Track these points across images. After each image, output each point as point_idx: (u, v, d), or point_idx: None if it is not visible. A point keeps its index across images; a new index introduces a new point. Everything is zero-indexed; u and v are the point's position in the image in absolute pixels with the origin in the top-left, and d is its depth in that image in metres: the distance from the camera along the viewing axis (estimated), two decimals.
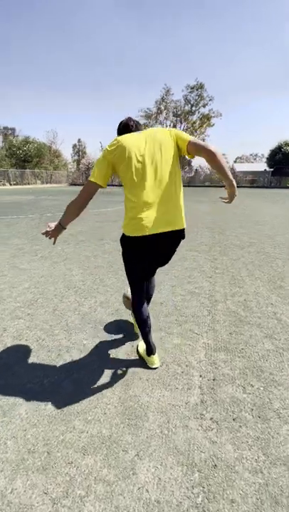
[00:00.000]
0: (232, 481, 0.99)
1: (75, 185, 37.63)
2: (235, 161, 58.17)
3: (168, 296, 2.52)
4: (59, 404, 1.32)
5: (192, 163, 38.71)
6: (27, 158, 37.59)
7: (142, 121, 41.19)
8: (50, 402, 1.33)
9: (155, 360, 1.57)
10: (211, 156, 1.24)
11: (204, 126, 40.18)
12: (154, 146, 1.28)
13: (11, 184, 31.64)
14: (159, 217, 1.27)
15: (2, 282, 2.83)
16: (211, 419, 1.25)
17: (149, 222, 1.26)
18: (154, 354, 1.58)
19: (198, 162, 36.20)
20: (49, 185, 34.10)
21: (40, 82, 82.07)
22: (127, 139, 1.30)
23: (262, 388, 1.43)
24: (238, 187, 1.52)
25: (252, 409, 1.30)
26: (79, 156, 58.03)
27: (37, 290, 2.64)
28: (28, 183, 34.26)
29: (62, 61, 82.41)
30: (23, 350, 1.74)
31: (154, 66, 79.96)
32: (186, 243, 4.44)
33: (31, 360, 1.65)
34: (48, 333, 1.93)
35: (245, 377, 1.52)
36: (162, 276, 2.97)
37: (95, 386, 1.44)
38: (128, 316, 2.13)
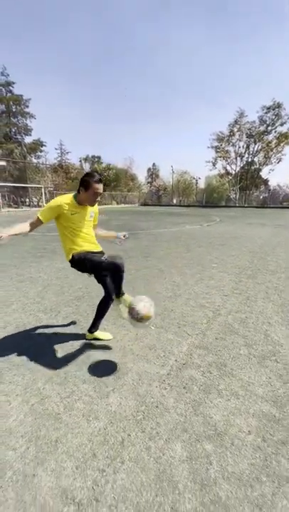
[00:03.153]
0: (164, 415, 1.54)
1: (146, 205, 40.63)
2: None
3: (180, 306, 3.07)
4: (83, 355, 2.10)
5: (269, 183, 36.75)
6: (107, 183, 42.94)
7: (214, 144, 41.79)
8: (79, 354, 2.13)
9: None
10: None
11: (282, 145, 37.97)
12: None
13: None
14: None
15: (65, 282, 3.92)
16: (169, 384, 1.80)
17: None
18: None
19: (277, 180, 34.01)
20: (122, 206, 37.95)
21: (120, 111, 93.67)
22: None
23: (217, 376, 1.88)
24: None
25: (201, 386, 1.79)
26: (152, 178, 62.43)
27: (86, 290, 3.59)
28: (105, 204, 38.92)
29: (139, 91, 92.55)
30: (66, 325, 2.62)
31: (231, 89, 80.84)
32: (221, 265, 4.81)
33: (70, 330, 2.51)
34: (85, 317, 2.78)
35: (209, 367, 1.98)
36: (183, 290, 3.53)
37: (105, 353, 2.17)
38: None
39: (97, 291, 3.65)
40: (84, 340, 2.34)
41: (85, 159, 53.14)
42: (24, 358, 2.09)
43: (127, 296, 2.30)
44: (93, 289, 3.62)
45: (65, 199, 2.08)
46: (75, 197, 2.10)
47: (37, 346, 2.26)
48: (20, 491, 1.14)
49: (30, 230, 2.00)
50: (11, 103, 36.37)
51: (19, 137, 38.39)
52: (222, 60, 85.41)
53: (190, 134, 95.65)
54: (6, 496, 1.12)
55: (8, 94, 36.14)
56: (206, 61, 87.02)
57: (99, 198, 2.12)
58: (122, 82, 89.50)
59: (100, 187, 2.05)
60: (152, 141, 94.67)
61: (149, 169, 64.07)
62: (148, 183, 61.45)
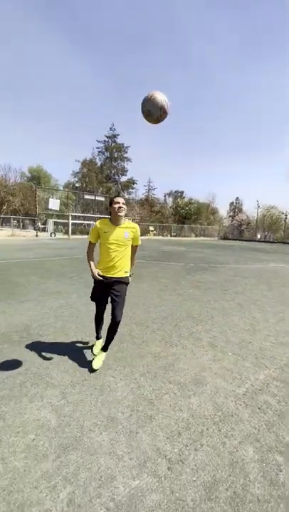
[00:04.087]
0: (238, 424, 1.79)
1: (227, 239, 39.73)
2: None
3: (258, 340, 3.17)
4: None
5: None
6: (187, 216, 44.59)
7: None
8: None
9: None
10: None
11: None
12: None
13: (171, 236, 38.54)
14: None
15: (151, 304, 4.55)
16: (244, 402, 2.02)
17: None
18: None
19: None
20: (201, 238, 38.28)
21: (200, 147, 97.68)
22: None
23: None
24: None
25: (276, 411, 1.93)
26: (234, 212, 61.06)
27: (169, 311, 4.10)
28: (184, 236, 40.14)
29: (221, 130, 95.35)
30: (153, 336, 3.15)
31: None
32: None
33: (158, 340, 3.01)
34: (168, 333, 3.25)
35: (285, 398, 2.09)
36: (262, 326, 3.58)
37: (186, 365, 2.56)
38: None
39: (181, 313, 4.12)
40: (170, 349, 2.80)
41: (169, 194, 57.25)
42: (123, 355, 2.70)
43: (98, 349, 2.64)
44: (176, 311, 4.10)
45: (103, 220, 2.40)
46: (109, 218, 2.40)
47: (131, 350, 2.85)
48: (128, 439, 1.63)
49: (90, 254, 2.44)
50: (114, 150, 43.88)
51: (116, 177, 45.27)
52: None
53: (279, 167, 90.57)
54: (119, 440, 1.63)
55: (113, 144, 43.90)
56: None
57: (122, 213, 2.29)
58: (202, 127, 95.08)
59: (118, 200, 2.30)
60: (238, 176, 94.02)
61: (231, 203, 63.18)
62: (230, 216, 60.31)
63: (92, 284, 2.52)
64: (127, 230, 2.39)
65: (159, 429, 1.73)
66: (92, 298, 2.55)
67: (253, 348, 2.97)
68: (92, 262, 2.41)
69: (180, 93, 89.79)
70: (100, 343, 2.69)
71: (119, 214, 2.30)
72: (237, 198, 62.60)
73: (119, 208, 2.28)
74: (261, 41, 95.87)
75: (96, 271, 2.34)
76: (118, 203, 2.29)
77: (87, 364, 2.49)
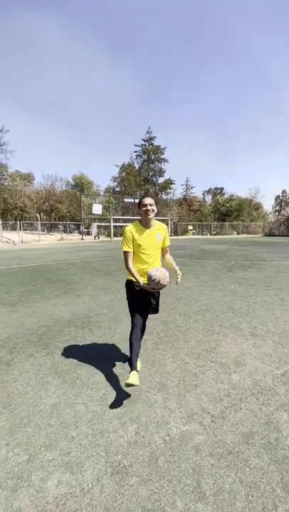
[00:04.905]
0: (274, 396, 2.03)
1: (272, 235, 37.36)
2: None
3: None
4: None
5: None
6: (228, 213, 43.06)
7: None
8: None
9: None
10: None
11: None
12: None
13: (211, 234, 37.69)
14: None
15: (192, 298, 4.84)
16: (281, 380, 2.24)
17: None
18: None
19: None
20: (243, 236, 36.61)
21: (242, 141, 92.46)
22: None
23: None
24: None
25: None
26: (280, 206, 56.84)
27: (210, 304, 4.35)
28: (226, 234, 38.85)
29: (263, 116, 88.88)
30: (196, 325, 3.46)
31: None
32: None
33: (200, 329, 3.32)
34: (210, 323, 3.53)
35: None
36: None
37: (226, 348, 2.83)
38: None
39: (221, 306, 4.35)
40: (211, 336, 3.09)
41: (208, 192, 55.94)
42: (169, 339, 3.08)
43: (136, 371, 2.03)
44: (217, 304, 4.34)
45: (133, 225, 2.23)
46: (139, 220, 2.25)
47: (176, 335, 3.22)
48: (177, 399, 2.01)
49: (129, 263, 2.18)
50: (151, 153, 44.65)
51: (154, 179, 45.96)
52: None
53: None
54: (170, 399, 2.02)
55: (150, 147, 44.70)
56: None
57: (151, 215, 2.14)
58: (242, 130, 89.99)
59: (146, 201, 2.13)
60: (284, 168, 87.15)
61: (277, 197, 58.94)
62: (275, 211, 56.35)
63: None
64: (158, 231, 2.26)
65: (204, 394, 2.07)
66: (132, 307, 2.26)
67: None
68: (135, 271, 2.15)
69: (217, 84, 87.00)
70: (136, 374, 1.98)
71: (149, 217, 2.16)
72: (284, 190, 58.13)
73: (147, 210, 2.13)
74: None
75: (141, 279, 2.11)
76: (146, 205, 2.13)
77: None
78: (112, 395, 2.07)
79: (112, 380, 2.27)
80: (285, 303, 4.48)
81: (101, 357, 2.67)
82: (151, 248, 2.21)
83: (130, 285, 2.24)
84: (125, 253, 2.19)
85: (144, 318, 2.26)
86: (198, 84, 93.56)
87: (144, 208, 2.15)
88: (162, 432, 1.69)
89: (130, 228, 2.21)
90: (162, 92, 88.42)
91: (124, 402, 1.98)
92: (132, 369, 2.00)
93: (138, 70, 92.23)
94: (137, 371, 2.09)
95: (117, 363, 2.56)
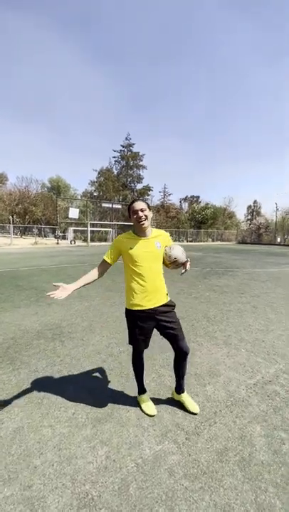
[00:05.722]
0: (248, 407, 2.03)
1: (244, 243, 39.09)
2: None
3: (271, 339, 3.35)
4: None
5: None
6: (204, 221, 44.45)
7: None
8: None
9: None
10: None
11: None
12: None
13: (188, 241, 38.57)
14: None
15: None
16: (254, 390, 2.25)
17: None
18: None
19: None
20: (218, 243, 37.95)
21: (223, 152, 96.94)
22: None
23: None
24: None
25: (283, 399, 2.15)
26: (252, 215, 59.90)
27: (185, 312, 4.35)
28: (201, 241, 39.98)
29: (242, 136, 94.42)
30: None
31: None
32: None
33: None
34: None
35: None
36: (276, 326, 3.74)
37: (201, 359, 2.81)
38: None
39: (196, 314, 4.34)
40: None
41: (184, 199, 57.35)
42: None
43: (185, 394, 2.07)
44: (192, 312, 4.35)
45: (125, 234, 1.89)
46: (132, 231, 1.88)
47: (151, 345, 3.15)
48: (151, 416, 1.93)
49: (101, 274, 1.88)
50: (130, 159, 44.96)
51: (132, 185, 46.22)
52: None
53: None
54: (144, 416, 1.93)
55: (129, 153, 45.01)
56: None
57: (145, 223, 1.78)
58: (223, 135, 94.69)
59: (137, 205, 1.77)
60: (257, 180, 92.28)
61: (249, 206, 62.01)
62: (247, 220, 59.22)
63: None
64: (156, 239, 1.87)
65: (178, 408, 2.01)
66: (132, 341, 1.94)
67: (266, 345, 3.17)
68: (82, 280, 1.84)
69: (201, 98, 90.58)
70: (148, 396, 2.08)
71: (143, 225, 1.77)
72: (255, 201, 61.47)
73: (138, 218, 1.76)
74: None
75: (67, 287, 1.75)
76: (136, 211, 1.76)
77: (113, 359, 2.82)
78: (82, 414, 1.93)
79: (83, 397, 2.14)
80: (257, 310, 4.62)
81: (72, 372, 2.52)
82: (148, 261, 1.81)
83: (131, 315, 1.89)
84: (102, 262, 1.89)
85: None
86: (180, 96, 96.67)
87: (134, 216, 1.78)
88: (135, 454, 1.59)
89: (121, 237, 1.88)
90: (144, 99, 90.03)
91: (95, 422, 1.86)
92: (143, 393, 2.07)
93: (121, 76, 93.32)
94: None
95: (89, 378, 2.42)
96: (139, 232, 1.85)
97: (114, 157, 45.84)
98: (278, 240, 42.15)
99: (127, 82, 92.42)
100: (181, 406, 2.03)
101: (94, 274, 1.87)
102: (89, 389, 2.24)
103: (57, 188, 48.24)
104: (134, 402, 2.08)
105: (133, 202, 1.82)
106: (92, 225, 29.89)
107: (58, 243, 26.28)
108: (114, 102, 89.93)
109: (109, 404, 2.03)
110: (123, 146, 45.16)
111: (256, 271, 9.58)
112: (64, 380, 2.38)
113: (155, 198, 52.75)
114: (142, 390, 2.09)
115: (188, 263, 2.02)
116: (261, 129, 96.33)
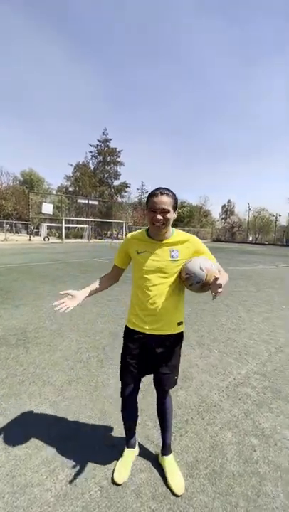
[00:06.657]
0: (219, 413, 1.98)
1: (219, 241, 40.28)
2: None
3: (243, 338, 3.38)
4: None
5: None
6: (180, 219, 45.07)
7: None
8: None
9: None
10: None
11: None
12: None
13: None
14: None
15: None
16: (226, 394, 2.22)
17: None
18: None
19: None
20: None
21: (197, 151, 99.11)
22: None
23: (271, 397, 2.18)
24: None
25: (254, 401, 2.13)
26: (226, 215, 61.97)
27: None
28: None
29: (218, 135, 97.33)
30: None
31: None
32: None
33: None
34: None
35: (264, 390, 2.29)
36: (247, 325, 3.79)
37: None
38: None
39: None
40: None
41: None
42: (115, 355, 2.86)
43: (169, 459, 1.52)
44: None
45: (137, 233, 1.48)
46: (147, 229, 1.44)
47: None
48: (119, 429, 1.80)
49: (114, 279, 1.61)
50: (107, 155, 44.14)
51: (109, 181, 45.48)
52: None
53: (271, 170, 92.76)
54: (112, 428, 1.79)
55: (106, 148, 44.16)
56: None
57: (162, 227, 1.29)
58: (203, 137, 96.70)
59: (158, 199, 1.26)
60: (230, 180, 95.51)
61: (223, 206, 63.96)
62: (222, 219, 61.11)
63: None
64: (176, 246, 1.38)
65: (149, 419, 1.90)
66: (123, 375, 1.51)
67: (238, 345, 3.18)
68: (90, 287, 1.54)
69: (179, 98, 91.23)
70: (134, 453, 1.59)
71: (156, 222, 1.29)
72: (229, 200, 63.54)
73: (157, 220, 1.28)
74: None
75: (76, 294, 1.49)
76: (155, 211, 1.27)
77: (81, 365, 2.64)
78: (43, 433, 1.75)
79: (46, 413, 1.95)
80: (229, 309, 4.68)
81: (35, 382, 2.30)
82: (155, 273, 1.36)
83: (125, 331, 1.53)
84: (114, 267, 1.57)
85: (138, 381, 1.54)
86: (159, 93, 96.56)
87: (151, 215, 1.30)
88: (99, 475, 1.45)
89: (131, 236, 1.48)
90: (123, 95, 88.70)
91: (58, 441, 1.68)
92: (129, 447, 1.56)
93: (101, 71, 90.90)
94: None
95: (53, 390, 2.23)
96: (153, 233, 1.38)
97: (91, 152, 44.76)
98: (250, 238, 44.12)
99: (107, 76, 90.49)
100: (152, 417, 1.92)
101: (105, 279, 1.57)
102: (52, 403, 2.05)
103: (30, 182, 46.05)
104: (102, 414, 1.93)
105: (155, 193, 1.28)
106: (68, 222, 28.95)
107: (30, 240, 25.10)
108: (93, 95, 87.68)
109: (75, 420, 1.87)
110: (100, 141, 44.19)
111: (230, 269, 9.83)
112: (25, 392, 2.16)
113: (132, 195, 52.44)
114: (130, 443, 1.59)
115: (219, 281, 1.22)
116: (237, 130, 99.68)
